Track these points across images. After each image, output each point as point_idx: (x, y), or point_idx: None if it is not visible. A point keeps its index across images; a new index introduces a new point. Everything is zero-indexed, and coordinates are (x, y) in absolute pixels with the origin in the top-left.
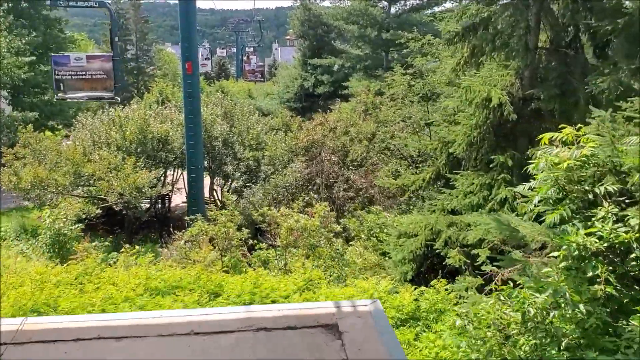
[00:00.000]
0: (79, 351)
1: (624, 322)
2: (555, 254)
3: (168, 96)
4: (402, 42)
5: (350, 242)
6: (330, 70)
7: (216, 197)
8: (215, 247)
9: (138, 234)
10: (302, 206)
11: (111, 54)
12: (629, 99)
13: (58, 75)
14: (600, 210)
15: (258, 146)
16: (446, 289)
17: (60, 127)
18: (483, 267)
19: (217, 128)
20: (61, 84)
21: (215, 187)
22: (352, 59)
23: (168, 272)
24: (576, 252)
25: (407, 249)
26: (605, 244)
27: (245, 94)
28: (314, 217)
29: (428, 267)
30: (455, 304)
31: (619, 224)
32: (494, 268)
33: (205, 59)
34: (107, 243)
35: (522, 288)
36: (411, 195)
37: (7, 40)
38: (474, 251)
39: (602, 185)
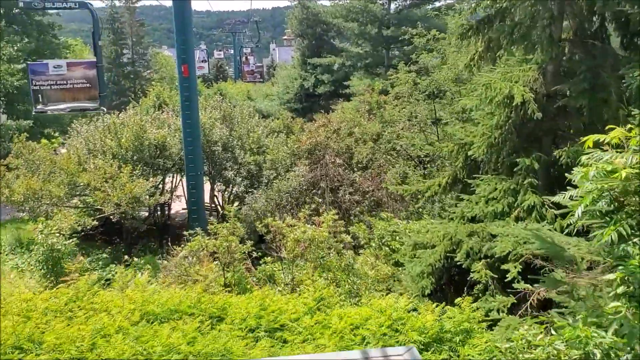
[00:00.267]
0: None
1: None
2: (611, 276)
3: (165, 100)
4: (404, 39)
5: (360, 251)
6: (331, 70)
7: (217, 204)
8: (216, 261)
9: (137, 244)
10: (309, 215)
11: (94, 60)
12: None
13: (36, 85)
14: None
15: (259, 150)
16: (471, 307)
17: (56, 134)
18: (515, 285)
19: (216, 132)
20: (39, 95)
21: (216, 193)
22: (353, 57)
23: (166, 294)
24: None
25: (426, 262)
26: None
27: (245, 95)
28: (321, 226)
29: (447, 280)
30: (481, 321)
31: None
32: (528, 285)
33: (202, 61)
34: (105, 255)
35: (573, 318)
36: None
37: None
38: (504, 266)
39: None
